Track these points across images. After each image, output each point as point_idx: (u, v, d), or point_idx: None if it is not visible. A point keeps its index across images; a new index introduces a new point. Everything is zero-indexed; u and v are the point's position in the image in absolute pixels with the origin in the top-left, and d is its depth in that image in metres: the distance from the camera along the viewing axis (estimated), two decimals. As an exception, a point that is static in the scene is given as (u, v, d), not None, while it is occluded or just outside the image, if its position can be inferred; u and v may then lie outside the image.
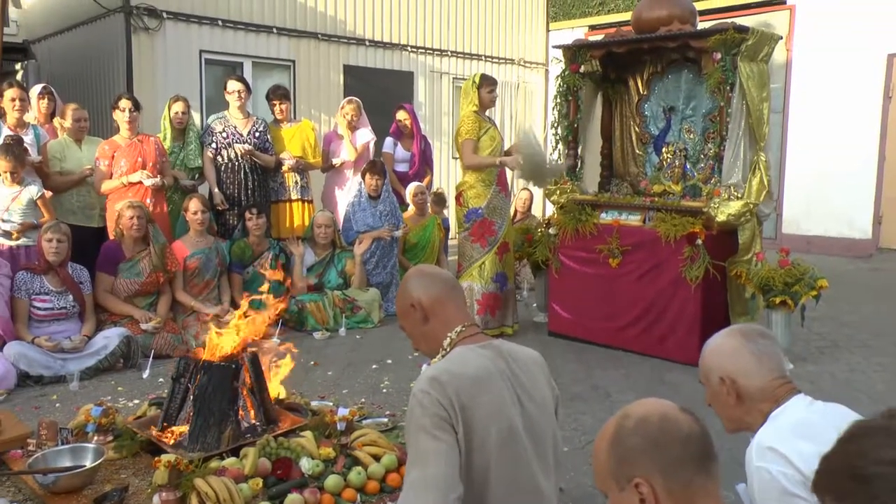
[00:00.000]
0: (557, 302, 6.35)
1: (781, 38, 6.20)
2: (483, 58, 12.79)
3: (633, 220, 5.97)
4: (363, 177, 7.20)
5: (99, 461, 3.45)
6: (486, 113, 6.37)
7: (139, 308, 5.86)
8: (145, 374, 5.25)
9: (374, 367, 5.54)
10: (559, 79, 6.43)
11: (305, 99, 10.41)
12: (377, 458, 3.53)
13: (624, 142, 6.75)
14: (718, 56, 5.39)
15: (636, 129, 6.64)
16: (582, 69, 6.34)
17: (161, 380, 5.19)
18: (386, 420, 4.28)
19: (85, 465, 3.45)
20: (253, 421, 3.79)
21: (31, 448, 3.72)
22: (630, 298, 5.88)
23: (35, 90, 6.77)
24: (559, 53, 6.42)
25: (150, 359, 5.36)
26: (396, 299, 2.46)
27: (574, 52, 6.30)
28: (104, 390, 5.00)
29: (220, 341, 3.78)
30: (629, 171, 6.70)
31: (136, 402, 4.72)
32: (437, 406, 2.01)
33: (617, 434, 1.57)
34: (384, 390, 5.00)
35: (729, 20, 6.35)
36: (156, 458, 3.22)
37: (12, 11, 10.47)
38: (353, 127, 7.52)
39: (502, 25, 13.15)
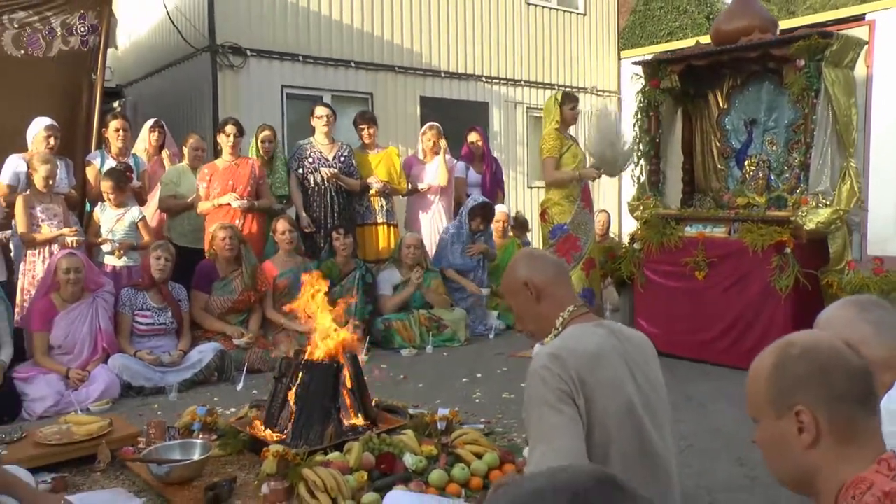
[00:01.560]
0: (644, 317, 6.31)
1: (867, 43, 6.13)
2: (556, 87, 12.88)
3: (719, 232, 5.93)
4: (471, 217, 7.31)
5: (208, 454, 3.57)
6: (569, 131, 6.43)
7: (231, 325, 6.04)
8: (239, 387, 5.41)
9: (464, 380, 5.58)
10: (639, 94, 6.47)
11: (383, 130, 10.56)
12: (479, 456, 3.56)
13: (705, 156, 6.73)
14: (802, 63, 5.37)
15: (717, 143, 6.62)
16: (662, 85, 6.36)
17: (255, 391, 5.33)
18: (482, 426, 4.30)
19: (193, 458, 3.58)
20: (353, 420, 3.87)
21: (142, 446, 3.89)
22: (718, 311, 5.81)
23: (148, 123, 7.19)
24: (639, 70, 6.47)
25: (244, 372, 5.54)
26: (504, 279, 2.51)
27: (654, 68, 6.34)
28: (201, 401, 5.13)
29: (320, 342, 3.87)
30: (711, 186, 6.66)
31: (233, 410, 4.84)
32: (558, 381, 2.03)
33: (781, 360, 1.52)
34: (476, 400, 5.03)
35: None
36: (264, 449, 3.32)
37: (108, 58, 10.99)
38: (434, 151, 7.67)
39: (574, 54, 13.28)
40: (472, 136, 8.06)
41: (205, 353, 5.66)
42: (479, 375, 5.69)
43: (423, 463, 3.49)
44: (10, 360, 5.23)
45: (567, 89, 12.87)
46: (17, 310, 5.67)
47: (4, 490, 2.84)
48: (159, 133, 7.17)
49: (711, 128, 6.66)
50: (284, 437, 3.71)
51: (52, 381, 5.13)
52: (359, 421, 3.87)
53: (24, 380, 5.13)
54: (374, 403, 4.05)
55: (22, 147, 6.24)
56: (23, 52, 6.81)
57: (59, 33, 6.96)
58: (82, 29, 7.08)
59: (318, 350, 3.83)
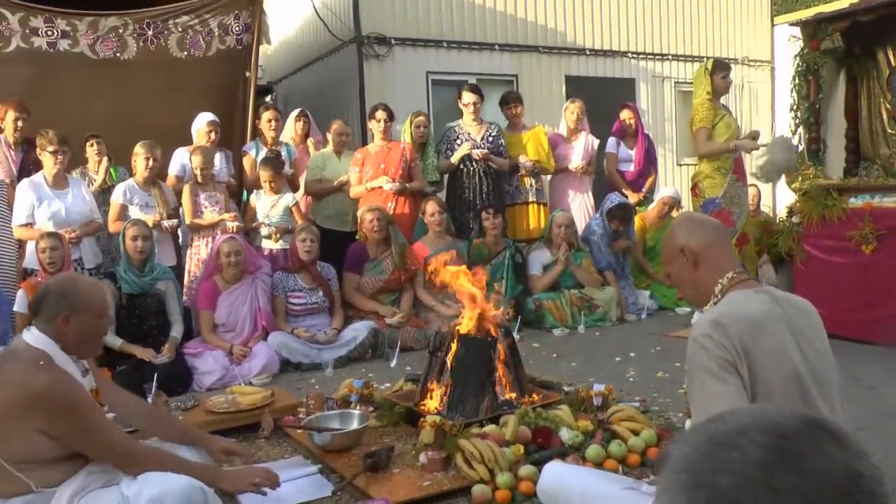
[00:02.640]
0: (804, 295, 5.87)
1: None
2: (705, 59, 12.34)
3: (889, 202, 5.51)
4: (609, 219, 7.17)
5: (366, 424, 3.66)
6: (721, 101, 6.15)
7: (384, 304, 6.17)
8: (393, 363, 5.52)
9: (617, 359, 5.46)
10: (797, 58, 6.09)
11: (529, 112, 10.47)
12: (635, 433, 3.47)
13: (873, 121, 6.26)
14: None
15: (887, 105, 6.14)
16: (822, 46, 5.97)
17: (408, 368, 5.40)
18: (637, 405, 4.19)
19: (352, 428, 3.67)
20: (508, 394, 3.85)
21: (302, 416, 4.04)
22: (888, 287, 5.39)
23: (293, 113, 7.43)
24: (796, 31, 6.10)
25: (397, 349, 5.65)
26: (662, 244, 2.42)
27: (814, 28, 5.95)
28: (356, 376, 5.25)
29: (475, 316, 3.87)
30: (880, 154, 6.20)
31: (387, 385, 4.93)
32: (720, 349, 1.94)
33: None
34: (630, 380, 4.91)
35: None
36: (421, 419, 3.35)
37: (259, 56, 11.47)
38: (577, 128, 7.55)
39: (724, 24, 12.65)
40: (625, 113, 7.87)
41: (359, 331, 5.81)
42: (632, 355, 5.55)
43: (580, 438, 3.43)
44: (182, 336, 5.58)
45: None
46: (184, 291, 6.01)
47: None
48: (304, 122, 7.39)
49: (881, 90, 6.19)
50: (440, 408, 3.73)
51: (218, 357, 5.44)
52: (514, 395, 3.85)
53: (193, 355, 5.47)
54: (528, 379, 4.03)
55: (188, 141, 6.60)
56: (186, 53, 7.23)
57: (217, 33, 7.33)
58: (237, 28, 7.43)
59: (472, 324, 3.83)
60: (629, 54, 11.60)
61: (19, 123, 6.04)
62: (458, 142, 7.13)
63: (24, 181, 5.76)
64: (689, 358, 2.02)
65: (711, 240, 2.28)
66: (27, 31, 6.56)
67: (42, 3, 6.65)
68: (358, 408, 4.01)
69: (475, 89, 7.38)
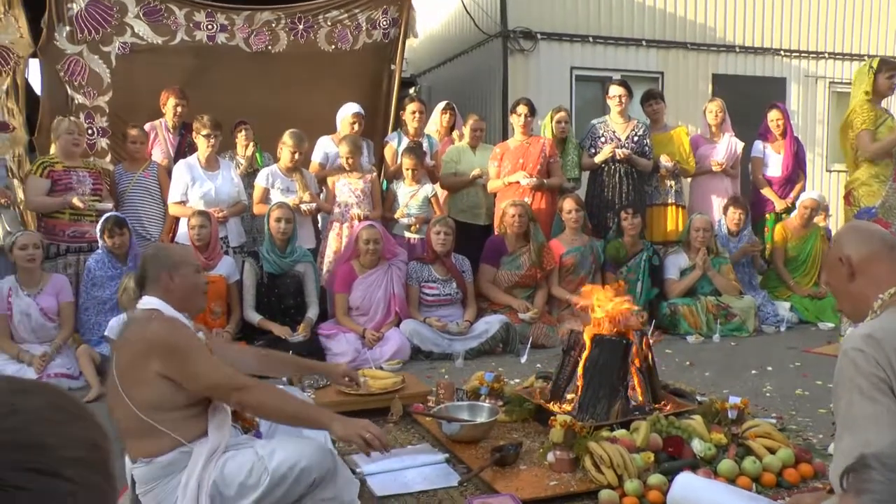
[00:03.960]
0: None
1: None
2: (865, 58, 11.61)
3: None
4: (725, 210, 6.98)
5: (495, 417, 3.68)
6: (882, 104, 5.81)
7: (518, 299, 6.17)
8: (523, 359, 5.51)
9: (753, 371, 5.25)
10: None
11: (673, 111, 10.20)
12: (771, 451, 3.34)
13: None
14: None
15: None
16: None
17: (538, 365, 5.38)
18: (774, 421, 4.02)
19: (482, 420, 3.70)
20: (640, 400, 3.78)
21: (431, 404, 4.10)
22: None
23: (439, 106, 7.54)
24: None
25: (528, 346, 5.64)
26: (827, 251, 2.32)
27: None
28: (485, 369, 5.24)
29: (611, 318, 3.82)
30: None
31: (517, 381, 4.94)
32: (873, 365, 1.83)
33: None
34: (767, 394, 4.71)
35: None
36: (551, 418, 3.34)
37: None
38: (720, 129, 7.35)
39: (888, 20, 11.86)
40: (773, 114, 7.54)
41: (491, 324, 5.84)
42: (769, 369, 5.32)
43: (712, 451, 3.33)
44: (316, 317, 5.79)
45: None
46: (322, 273, 6.22)
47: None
48: (450, 115, 7.48)
49: None
50: (570, 409, 3.71)
51: (351, 339, 5.60)
52: (646, 401, 3.78)
53: (327, 336, 5.65)
54: (661, 385, 3.94)
55: (331, 129, 6.82)
56: (333, 46, 7.46)
57: (365, 28, 7.52)
58: (384, 22, 7.59)
59: (608, 325, 3.78)
60: (781, 52, 11.08)
61: (178, 109, 6.43)
62: (603, 139, 7.04)
63: (181, 162, 6.12)
64: (838, 373, 1.92)
65: (874, 251, 2.14)
66: (191, 24, 6.94)
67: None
68: (487, 401, 4.03)
69: (623, 83, 7.25)
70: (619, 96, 7.05)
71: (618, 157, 6.87)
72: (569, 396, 3.83)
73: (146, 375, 2.54)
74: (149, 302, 2.72)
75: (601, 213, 6.99)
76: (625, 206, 6.64)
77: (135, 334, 2.63)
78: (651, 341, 4.23)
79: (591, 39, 10.08)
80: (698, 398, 4.13)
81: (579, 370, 3.76)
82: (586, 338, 3.79)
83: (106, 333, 5.22)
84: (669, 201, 7.19)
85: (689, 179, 7.61)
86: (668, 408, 3.77)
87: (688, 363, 5.47)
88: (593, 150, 7.08)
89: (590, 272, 6.45)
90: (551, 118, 7.06)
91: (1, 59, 6.32)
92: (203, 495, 2.55)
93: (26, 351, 5.12)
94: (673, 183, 7.19)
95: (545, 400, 3.91)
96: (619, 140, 6.98)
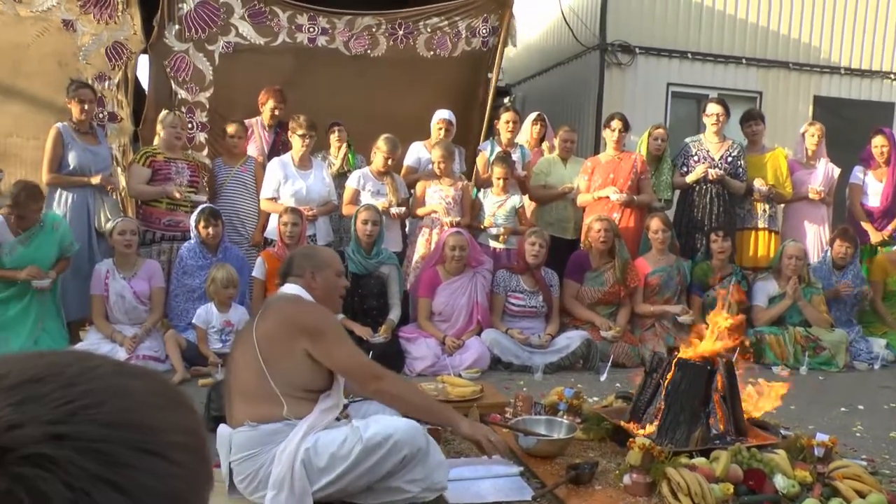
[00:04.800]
0: None
1: None
2: None
3: None
4: (831, 242, 6.74)
5: (573, 434, 3.65)
6: None
7: (600, 316, 6.11)
8: (603, 377, 5.46)
9: (842, 409, 5.06)
10: None
11: (770, 133, 9.95)
12: (861, 494, 3.20)
13: None
14: None
15: None
16: None
17: (618, 385, 5.33)
18: (864, 464, 3.86)
19: (559, 436, 3.67)
20: (722, 429, 3.68)
21: (508, 416, 4.08)
22: None
23: (530, 116, 7.55)
24: None
25: (609, 364, 5.59)
26: None
27: None
28: (564, 385, 5.19)
29: (697, 343, 3.74)
30: None
31: (595, 398, 4.88)
32: None
33: None
34: (857, 435, 4.52)
35: None
36: (630, 440, 3.30)
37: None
38: (816, 154, 7.13)
39: None
40: (878, 140, 7.24)
41: (572, 339, 5.80)
42: (860, 407, 5.11)
43: (796, 488, 3.21)
44: (398, 320, 5.85)
45: None
46: (406, 277, 6.26)
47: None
48: (541, 126, 7.48)
49: None
50: (649, 431, 3.65)
51: (431, 345, 5.65)
52: (727, 430, 3.68)
53: (408, 339, 5.72)
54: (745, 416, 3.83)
55: (425, 135, 6.88)
56: (432, 52, 7.54)
57: (464, 35, 7.57)
58: (484, 31, 7.63)
59: (694, 349, 3.70)
60: (891, 75, 10.65)
61: (276, 112, 6.60)
62: (696, 159, 6.90)
63: (275, 160, 6.27)
64: None
65: None
66: (293, 27, 7.13)
67: (307, 1, 7.22)
68: (566, 417, 4.00)
69: (722, 102, 7.12)
70: (717, 115, 6.91)
71: (710, 178, 6.73)
72: (649, 418, 3.76)
73: (291, 350, 2.77)
74: (291, 288, 2.96)
75: (690, 234, 6.86)
76: (715, 229, 6.49)
77: (285, 310, 2.86)
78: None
79: (689, 55, 9.93)
80: (783, 432, 3.99)
81: (661, 393, 3.69)
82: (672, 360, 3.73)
83: (193, 321, 5.40)
84: (761, 226, 6.99)
85: (783, 204, 7.38)
86: (751, 439, 3.66)
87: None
88: (685, 169, 6.95)
89: (675, 293, 6.34)
90: (648, 135, 6.95)
91: (115, 55, 6.64)
92: (297, 462, 2.69)
93: (119, 331, 5.37)
94: (767, 207, 6.98)
95: (624, 420, 3.85)
96: (713, 160, 6.84)
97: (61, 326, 5.62)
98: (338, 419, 2.93)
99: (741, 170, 6.89)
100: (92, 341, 5.36)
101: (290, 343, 2.76)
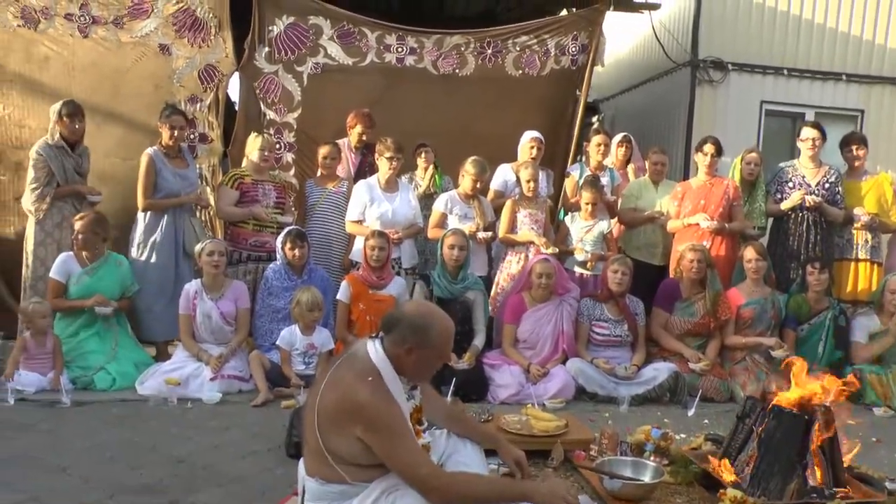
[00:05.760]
0: None
1: None
2: None
3: None
4: None
5: (659, 479, 3.53)
6: None
7: (689, 347, 5.91)
8: (691, 412, 5.28)
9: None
10: None
11: (873, 155, 9.48)
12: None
13: None
14: None
15: None
16: None
17: (706, 420, 5.15)
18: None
19: (645, 480, 3.55)
20: (819, 482, 3.47)
21: (593, 453, 3.99)
22: None
23: (616, 138, 7.41)
24: None
25: (697, 398, 5.42)
26: None
27: None
28: (650, 419, 5.10)
29: (793, 390, 3.55)
30: None
31: (682, 436, 4.70)
32: None
33: None
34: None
35: None
36: (721, 491, 3.15)
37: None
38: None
39: None
40: None
41: (659, 371, 5.64)
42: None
43: (900, 552, 3.02)
44: (482, 346, 5.78)
45: None
46: (490, 302, 6.18)
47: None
48: (626, 148, 7.35)
49: None
50: (740, 480, 3.48)
51: (515, 373, 5.57)
52: (825, 483, 3.47)
53: (492, 366, 5.65)
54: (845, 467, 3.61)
55: (511, 156, 6.82)
56: (520, 71, 7.49)
57: (553, 53, 7.51)
58: (573, 49, 7.55)
59: (790, 397, 3.52)
60: None
61: (363, 137, 6.66)
62: (791, 185, 6.62)
63: (361, 182, 6.30)
64: None
65: None
66: (381, 47, 7.18)
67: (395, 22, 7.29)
68: (652, 458, 3.87)
69: (817, 126, 6.81)
70: (812, 139, 6.61)
71: (808, 205, 6.44)
72: (740, 466, 3.58)
73: (345, 432, 2.65)
74: (377, 353, 2.76)
75: (784, 264, 6.55)
76: (812, 260, 6.18)
77: (347, 388, 2.67)
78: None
79: (785, 72, 9.58)
80: (887, 485, 3.75)
81: (754, 440, 3.52)
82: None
83: (277, 342, 5.46)
84: (862, 256, 6.59)
85: (887, 234, 6.99)
86: (852, 494, 3.44)
87: (874, 439, 4.97)
88: (780, 196, 6.66)
89: (769, 327, 6.03)
90: (741, 159, 6.70)
91: (207, 77, 6.82)
92: None
93: (205, 350, 5.47)
94: (869, 237, 6.60)
95: (713, 466, 3.68)
96: (809, 186, 6.55)
97: (134, 343, 5.81)
98: None
99: (839, 196, 6.57)
100: (179, 359, 5.48)
101: (345, 425, 2.64)
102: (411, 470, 2.64)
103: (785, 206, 6.57)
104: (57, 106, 5.84)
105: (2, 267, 6.41)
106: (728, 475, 3.50)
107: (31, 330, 5.28)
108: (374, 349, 2.77)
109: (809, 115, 9.52)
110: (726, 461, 3.60)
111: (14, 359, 5.17)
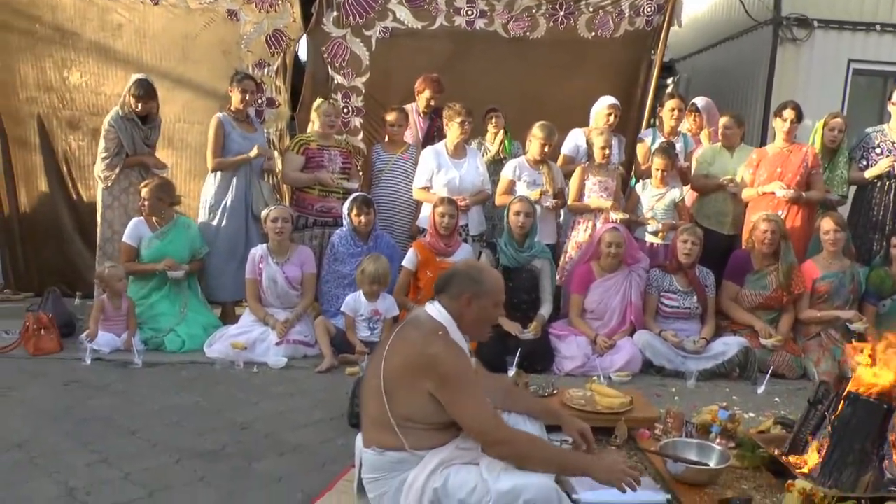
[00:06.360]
0: None
1: None
2: None
3: None
4: None
5: (726, 464, 3.44)
6: None
7: (761, 321, 5.73)
8: (760, 390, 5.15)
9: None
10: None
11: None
12: None
13: None
14: None
15: None
16: None
17: (776, 399, 5.01)
18: None
19: (710, 465, 3.46)
20: (897, 473, 3.33)
21: (658, 433, 3.92)
22: None
23: (694, 103, 7.12)
24: None
25: (768, 375, 5.28)
26: None
27: None
28: (718, 395, 5.00)
29: (872, 375, 3.38)
30: None
31: (751, 415, 4.59)
32: None
33: None
34: None
35: None
36: (789, 482, 3.05)
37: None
38: None
39: None
40: None
41: (729, 346, 5.48)
42: None
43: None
44: (549, 315, 5.70)
45: None
46: (558, 271, 6.10)
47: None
48: (696, 117, 7.07)
49: None
50: (812, 469, 3.36)
51: (582, 344, 5.50)
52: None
53: (558, 337, 5.59)
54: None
55: (584, 121, 6.65)
56: (593, 33, 7.28)
57: (627, 14, 7.27)
58: (649, 9, 7.29)
59: (868, 382, 3.35)
60: None
61: (432, 103, 6.57)
62: (878, 151, 6.29)
63: (428, 148, 6.24)
64: None
65: None
66: (451, 10, 7.06)
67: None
68: (719, 441, 3.77)
69: None
70: None
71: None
72: (811, 453, 3.45)
73: (415, 388, 2.69)
74: (440, 313, 2.83)
75: (866, 235, 6.28)
76: (896, 231, 5.90)
77: (417, 344, 2.73)
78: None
79: (876, 27, 9.03)
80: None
81: (827, 427, 3.39)
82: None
83: (342, 309, 5.48)
84: (956, 229, 6.25)
85: None
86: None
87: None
88: (865, 163, 6.34)
89: (847, 302, 5.77)
90: (824, 124, 6.39)
91: (275, 42, 6.84)
92: (425, 500, 2.66)
93: (271, 315, 5.54)
94: (963, 207, 6.26)
95: (783, 452, 3.56)
96: (899, 151, 6.22)
97: (203, 305, 5.94)
98: None
99: (930, 161, 6.22)
100: (245, 323, 5.57)
101: (415, 380, 2.68)
102: (477, 421, 2.68)
103: (870, 173, 6.26)
104: (130, 82, 5.95)
105: (84, 227, 6.65)
106: (796, 462, 3.39)
107: (108, 292, 5.44)
108: (435, 310, 2.83)
109: (903, 75, 9.02)
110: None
111: (95, 319, 5.35)
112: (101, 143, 5.96)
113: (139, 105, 5.90)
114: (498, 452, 2.67)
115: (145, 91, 5.91)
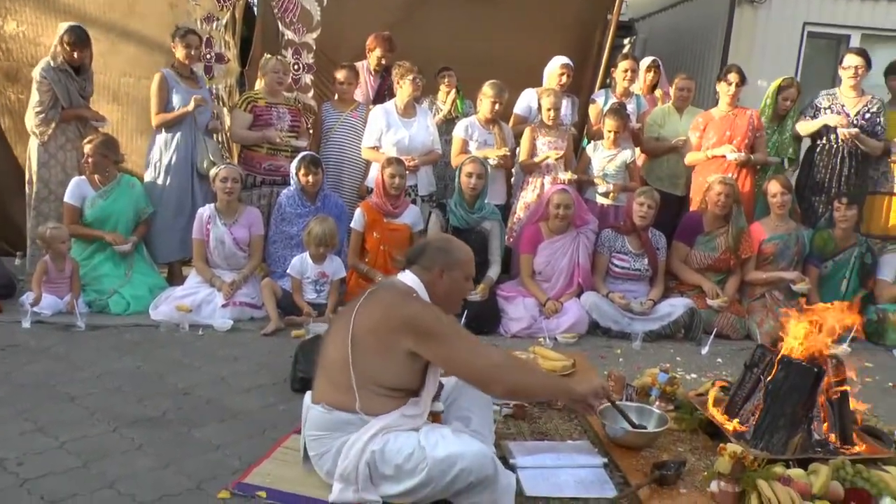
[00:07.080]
0: None
1: None
2: None
3: None
4: None
5: (663, 428, 3.48)
6: None
7: (709, 281, 5.79)
8: (704, 351, 5.22)
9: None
10: None
11: (921, 81, 9.10)
12: None
13: None
14: None
15: None
16: None
17: (719, 360, 5.09)
18: None
19: (649, 428, 3.50)
20: (825, 435, 3.39)
21: (599, 396, 3.93)
22: None
23: (645, 62, 7.15)
24: None
25: (712, 336, 5.34)
26: None
27: None
28: (663, 356, 5.06)
29: (802, 338, 3.43)
30: None
31: (693, 376, 4.67)
32: None
33: None
34: None
35: None
36: (721, 445, 3.08)
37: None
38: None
39: None
40: None
41: (675, 307, 5.55)
42: None
43: (909, 514, 2.93)
44: (497, 277, 5.70)
45: None
46: (507, 230, 6.10)
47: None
48: (654, 73, 7.07)
49: None
50: (744, 429, 3.41)
51: (529, 306, 5.52)
52: (831, 438, 3.38)
53: (505, 298, 5.59)
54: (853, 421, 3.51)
55: (537, 82, 6.59)
56: None
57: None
58: None
59: (800, 346, 3.40)
60: None
61: (383, 61, 6.47)
62: (829, 111, 6.32)
63: (378, 107, 6.16)
64: None
65: None
66: (405, -34, 6.90)
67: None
68: (658, 404, 3.81)
69: (861, 53, 6.43)
70: (855, 67, 6.27)
71: (843, 138, 6.17)
72: (745, 416, 3.50)
73: (391, 348, 2.70)
74: (411, 279, 2.87)
75: (811, 198, 6.36)
76: (840, 195, 5.97)
77: (395, 305, 2.74)
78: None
79: (833, -10, 9.03)
80: (897, 440, 3.65)
81: (761, 390, 3.44)
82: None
83: (288, 271, 5.43)
84: (896, 191, 6.35)
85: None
86: (859, 451, 3.35)
87: (891, 384, 4.87)
88: (809, 118, 6.40)
89: (791, 263, 5.89)
90: (778, 89, 6.40)
91: (223, -5, 6.63)
92: (362, 462, 2.67)
93: (218, 276, 5.47)
94: (906, 170, 6.34)
95: (719, 415, 3.61)
96: (849, 116, 6.25)
97: (149, 266, 5.83)
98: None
99: (880, 128, 6.26)
100: (191, 285, 5.48)
101: (391, 339, 2.68)
102: (473, 365, 2.75)
103: (816, 123, 6.29)
104: (60, 30, 5.70)
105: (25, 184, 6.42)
106: (729, 425, 3.45)
107: (50, 254, 5.30)
108: (407, 276, 2.88)
109: (855, 38, 9.02)
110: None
111: (37, 282, 5.21)
112: (34, 97, 5.71)
113: (74, 53, 5.67)
114: (500, 389, 2.82)
115: (79, 38, 5.66)
